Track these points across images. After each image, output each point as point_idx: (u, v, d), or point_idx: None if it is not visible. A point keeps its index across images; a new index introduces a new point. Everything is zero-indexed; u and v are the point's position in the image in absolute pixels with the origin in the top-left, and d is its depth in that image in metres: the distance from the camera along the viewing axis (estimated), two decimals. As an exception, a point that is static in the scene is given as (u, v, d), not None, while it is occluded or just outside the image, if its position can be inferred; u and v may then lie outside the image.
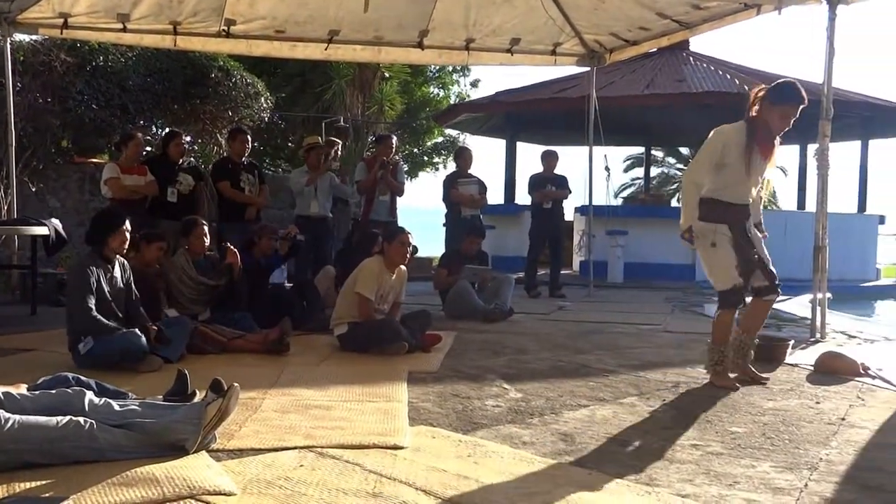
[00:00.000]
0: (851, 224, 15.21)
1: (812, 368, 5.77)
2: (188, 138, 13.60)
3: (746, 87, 14.41)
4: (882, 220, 16.50)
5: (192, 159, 11.45)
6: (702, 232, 5.12)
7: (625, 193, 30.47)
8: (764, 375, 5.35)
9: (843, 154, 16.92)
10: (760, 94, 5.07)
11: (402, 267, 6.69)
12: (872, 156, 16.80)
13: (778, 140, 5.18)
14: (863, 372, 5.62)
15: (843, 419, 4.42)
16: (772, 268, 5.21)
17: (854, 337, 7.51)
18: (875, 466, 3.57)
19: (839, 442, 3.96)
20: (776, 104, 4.98)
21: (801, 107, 4.98)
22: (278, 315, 6.49)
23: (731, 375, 5.25)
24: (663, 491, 3.16)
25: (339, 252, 9.15)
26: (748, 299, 5.28)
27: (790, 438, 4.00)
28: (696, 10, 8.65)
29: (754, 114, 5.08)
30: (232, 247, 6.97)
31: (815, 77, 7.37)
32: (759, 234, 5.29)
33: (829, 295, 7.48)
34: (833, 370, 5.62)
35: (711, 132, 5.18)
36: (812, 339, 7.01)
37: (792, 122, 5.02)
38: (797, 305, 9.12)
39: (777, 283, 5.24)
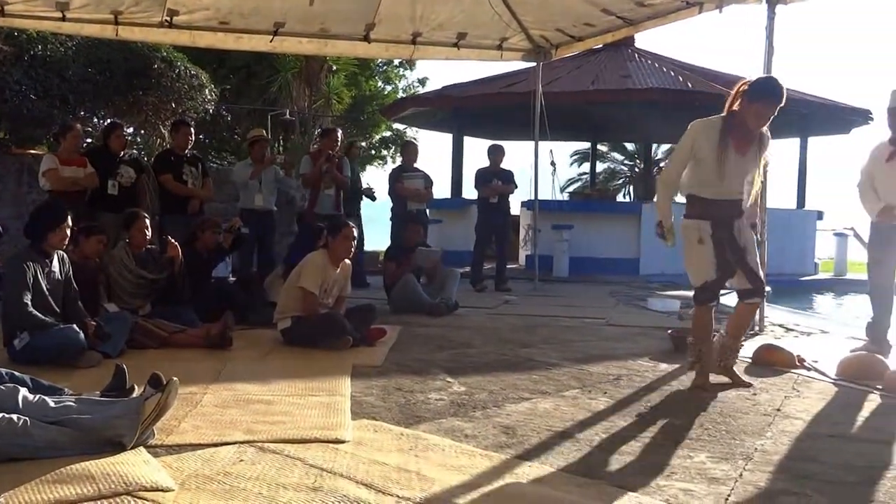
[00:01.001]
0: (790, 219, 15.52)
1: (750, 361, 5.87)
2: (130, 130, 13.40)
3: (690, 84, 14.70)
4: (820, 215, 16.85)
5: (134, 151, 11.27)
6: (686, 228, 5.01)
7: (571, 188, 30.69)
8: (747, 380, 5.15)
9: (783, 151, 17.21)
10: (742, 88, 4.87)
11: (347, 261, 6.67)
12: (811, 153, 17.15)
13: (767, 134, 4.97)
14: (799, 364, 5.74)
15: (779, 410, 4.51)
16: (759, 272, 5.05)
17: (791, 330, 7.66)
18: (808, 456, 3.66)
19: (774, 432, 4.04)
20: (752, 101, 4.79)
21: (779, 105, 4.77)
22: (221, 309, 6.43)
23: (716, 377, 5.12)
24: (602, 482, 3.20)
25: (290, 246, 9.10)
26: (735, 299, 5.21)
27: (727, 429, 4.07)
28: (640, 8, 8.74)
29: (735, 108, 4.88)
30: (173, 240, 6.88)
31: (755, 75, 7.47)
32: (750, 234, 5.09)
33: (767, 289, 7.61)
34: (770, 362, 5.73)
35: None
36: (750, 332, 7.13)
37: (767, 121, 4.83)
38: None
39: (762, 287, 5.09)
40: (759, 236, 5.26)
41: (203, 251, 7.52)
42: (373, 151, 25.86)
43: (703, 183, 4.93)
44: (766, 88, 4.82)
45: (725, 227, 4.93)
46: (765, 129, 4.91)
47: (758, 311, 7.26)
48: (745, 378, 5.18)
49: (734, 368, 5.19)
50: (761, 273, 5.06)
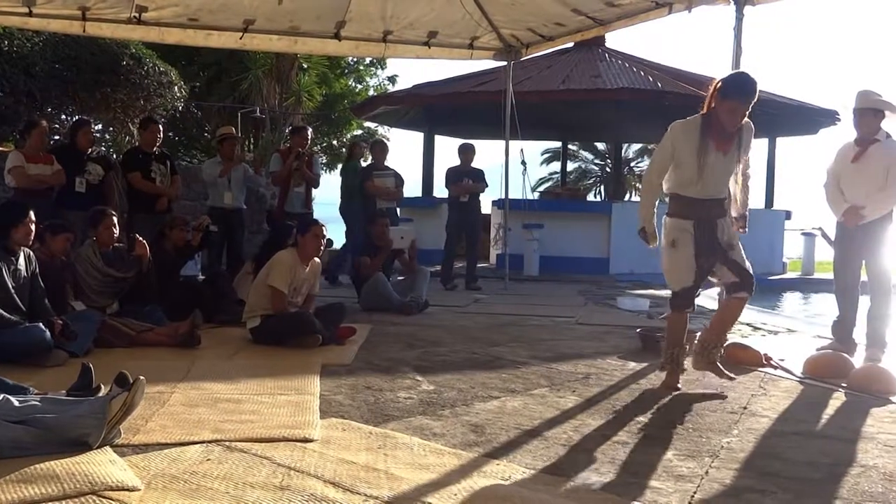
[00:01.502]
0: (759, 219, 15.57)
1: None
2: (98, 127, 13.27)
3: (659, 84, 14.78)
4: (788, 215, 17.02)
5: (102, 148, 11.17)
6: (667, 227, 4.95)
7: (542, 188, 30.76)
8: (730, 374, 5.08)
9: (751, 151, 17.32)
10: (717, 86, 4.78)
11: (316, 259, 6.65)
12: (779, 153, 17.31)
13: (749, 127, 4.88)
14: (766, 362, 5.80)
15: (745, 408, 4.56)
16: (746, 266, 4.91)
17: (759, 329, 7.74)
18: (773, 453, 3.70)
19: (740, 430, 4.08)
20: (724, 98, 4.71)
21: (750, 101, 4.69)
22: (189, 308, 6.38)
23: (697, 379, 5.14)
24: (570, 480, 3.22)
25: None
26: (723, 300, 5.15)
27: (694, 427, 4.11)
28: (610, 8, 8.77)
29: (713, 106, 4.79)
30: (141, 238, 6.83)
31: (724, 76, 7.53)
32: (733, 231, 5.00)
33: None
34: (737, 361, 5.77)
35: None
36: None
37: (742, 117, 4.75)
38: (705, 298, 9.32)
39: (750, 280, 4.92)
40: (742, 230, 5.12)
41: (171, 249, 7.46)
42: (343, 150, 25.77)
43: (686, 182, 4.85)
44: (735, 84, 4.75)
45: (707, 227, 4.85)
46: (746, 122, 4.82)
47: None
48: (728, 372, 5.09)
49: (717, 363, 5.08)
50: (749, 267, 4.93)
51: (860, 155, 6.34)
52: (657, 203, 5.12)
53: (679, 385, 4.97)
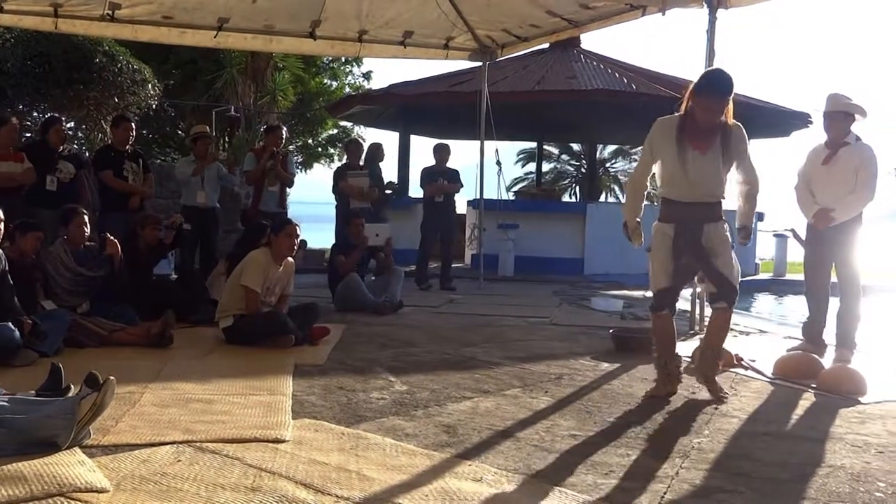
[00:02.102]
0: (731, 221, 15.70)
1: (689, 360, 5.94)
2: (71, 125, 13.15)
3: (634, 86, 14.86)
4: (761, 217, 17.13)
5: (74, 146, 11.06)
6: (652, 231, 4.86)
7: (517, 188, 30.78)
8: (724, 393, 4.83)
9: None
10: (694, 83, 4.69)
11: (290, 259, 6.63)
12: (752, 155, 17.40)
13: (736, 129, 4.70)
14: (737, 363, 5.84)
15: (716, 409, 4.59)
16: (728, 276, 4.71)
17: (731, 330, 7.77)
18: (743, 454, 3.73)
19: (711, 431, 4.11)
20: (698, 95, 4.60)
21: (724, 98, 4.58)
22: (162, 307, 6.34)
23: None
24: (541, 481, 3.23)
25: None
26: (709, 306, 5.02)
27: (665, 428, 4.14)
28: (584, 10, 8.83)
29: (689, 105, 4.69)
30: (112, 237, 6.77)
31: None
32: (723, 238, 4.75)
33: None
34: (709, 361, 5.79)
35: None
36: (691, 332, 7.24)
37: (717, 115, 4.62)
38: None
39: (728, 291, 4.74)
40: (734, 241, 4.85)
41: (144, 248, 7.41)
42: (319, 149, 25.70)
43: (669, 184, 4.77)
44: (709, 81, 4.65)
45: (690, 232, 4.70)
46: (732, 123, 4.67)
47: (697, 311, 7.41)
48: (723, 390, 4.85)
49: (716, 378, 4.88)
50: (731, 277, 4.71)
51: (830, 157, 6.40)
52: (644, 203, 5.04)
53: (666, 396, 4.81)
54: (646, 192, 5.06)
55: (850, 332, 6.35)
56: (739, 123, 4.74)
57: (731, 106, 4.67)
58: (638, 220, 4.97)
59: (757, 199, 4.92)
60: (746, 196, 4.91)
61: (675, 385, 4.89)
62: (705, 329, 5.27)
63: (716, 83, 4.63)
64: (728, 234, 4.79)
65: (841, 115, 6.36)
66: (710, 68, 5.01)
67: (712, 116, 4.63)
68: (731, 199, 4.96)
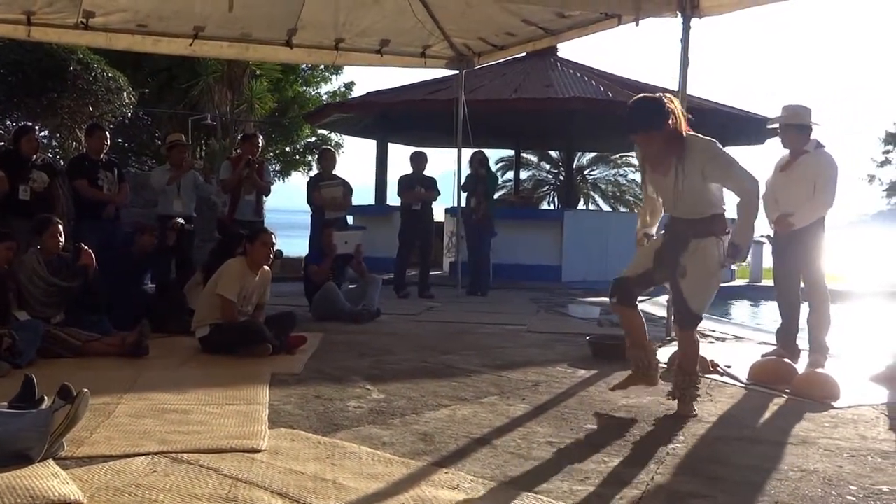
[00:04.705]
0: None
1: (665, 366, 5.97)
2: (44, 133, 13.06)
3: (610, 94, 14.92)
4: (736, 223, 17.25)
5: (48, 155, 10.97)
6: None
7: (496, 195, 30.74)
8: (694, 412, 4.57)
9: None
10: None
11: (266, 268, 6.62)
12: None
13: (690, 143, 4.43)
14: (712, 369, 5.87)
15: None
16: (688, 299, 4.49)
17: (706, 336, 7.83)
18: (718, 459, 3.76)
19: (686, 436, 4.14)
20: None
21: (636, 130, 4.45)
22: (138, 317, 6.31)
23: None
24: (518, 488, 3.23)
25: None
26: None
27: (640, 434, 4.16)
28: (560, 19, 8.89)
29: None
30: (86, 247, 6.72)
31: (672, 85, 7.66)
32: (703, 259, 4.48)
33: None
34: (684, 367, 5.83)
35: None
36: (667, 339, 7.27)
37: (645, 147, 4.54)
38: (653, 305, 9.46)
39: (683, 316, 4.59)
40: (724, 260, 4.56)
41: (139, 255, 7.44)
42: (297, 157, 25.62)
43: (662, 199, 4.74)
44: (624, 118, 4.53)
45: (673, 246, 4.57)
46: (690, 137, 4.46)
47: (671, 318, 7.41)
48: (693, 408, 4.60)
49: (684, 399, 4.60)
50: (691, 301, 4.50)
51: (790, 165, 6.52)
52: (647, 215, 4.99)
53: (630, 389, 4.85)
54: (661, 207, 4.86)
55: (821, 336, 6.42)
56: (704, 137, 4.53)
57: (681, 119, 4.43)
58: (647, 230, 4.94)
59: (752, 213, 4.55)
60: (738, 208, 4.57)
61: (652, 377, 4.79)
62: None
63: (626, 118, 4.49)
64: (721, 253, 4.52)
65: (794, 127, 6.48)
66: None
67: (646, 148, 4.55)
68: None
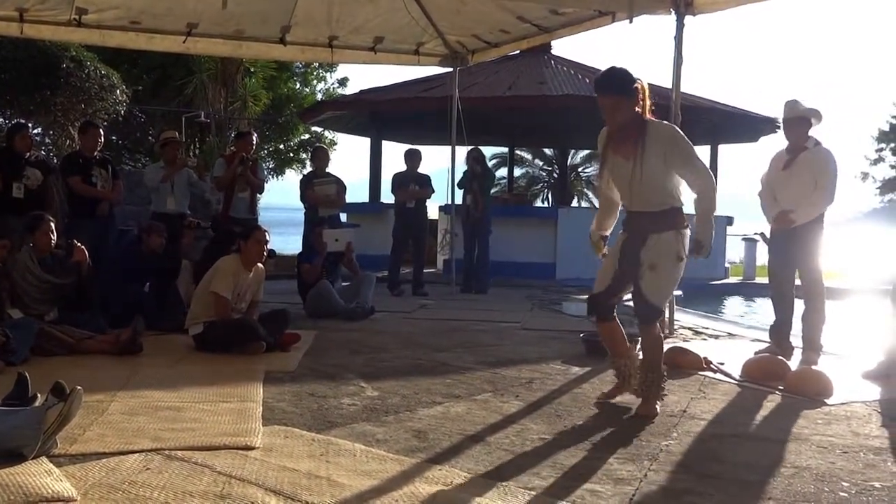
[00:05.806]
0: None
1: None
2: (38, 131, 13.03)
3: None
4: (730, 221, 17.27)
5: (42, 152, 10.95)
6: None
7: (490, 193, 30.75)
8: (656, 413, 4.48)
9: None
10: None
11: (260, 265, 6.61)
12: (721, 160, 17.59)
13: (660, 129, 4.45)
14: (706, 366, 5.89)
15: (685, 411, 4.63)
16: (648, 295, 4.44)
17: (700, 333, 7.85)
18: (711, 456, 3.77)
19: (679, 433, 4.15)
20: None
21: (608, 93, 4.44)
22: (132, 314, 6.30)
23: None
24: (511, 484, 3.24)
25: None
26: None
27: (634, 431, 4.16)
28: (554, 16, 8.88)
29: None
30: (79, 244, 6.71)
31: (665, 83, 7.67)
32: (663, 253, 4.41)
33: (678, 293, 7.78)
34: (678, 365, 5.85)
35: None
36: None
37: (610, 113, 4.45)
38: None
39: (643, 312, 4.52)
40: (687, 254, 4.46)
41: (147, 254, 7.49)
42: (290, 154, 25.62)
43: (619, 192, 4.66)
44: (595, 79, 4.61)
45: (632, 242, 4.52)
46: (652, 122, 4.46)
47: (666, 315, 7.43)
48: (656, 408, 4.51)
49: (655, 402, 4.54)
50: (650, 296, 4.44)
51: (790, 163, 6.53)
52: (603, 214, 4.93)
53: (612, 399, 4.80)
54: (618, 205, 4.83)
55: (815, 334, 6.44)
56: (668, 123, 4.52)
57: (647, 102, 4.45)
58: (602, 232, 4.90)
59: (710, 207, 4.44)
60: (695, 204, 4.49)
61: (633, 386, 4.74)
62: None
63: (598, 79, 4.55)
64: (682, 247, 4.46)
65: (796, 121, 6.48)
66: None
67: (610, 115, 4.47)
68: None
